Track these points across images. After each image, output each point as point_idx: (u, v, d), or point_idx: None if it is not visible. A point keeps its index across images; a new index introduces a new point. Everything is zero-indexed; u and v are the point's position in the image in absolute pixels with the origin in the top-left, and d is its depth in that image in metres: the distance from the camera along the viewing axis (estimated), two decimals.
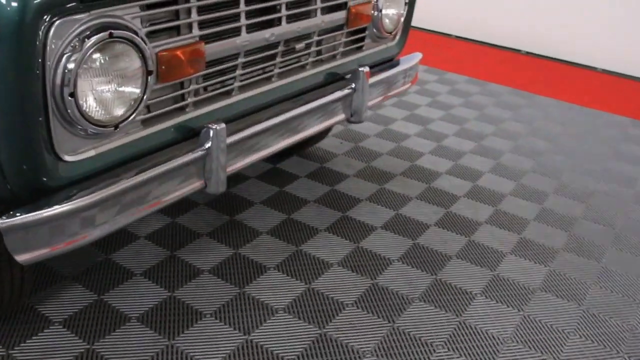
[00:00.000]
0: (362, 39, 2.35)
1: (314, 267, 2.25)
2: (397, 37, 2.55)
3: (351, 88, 2.21)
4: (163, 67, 1.53)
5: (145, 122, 1.59)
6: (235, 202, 2.59)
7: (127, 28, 1.42)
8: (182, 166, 1.63)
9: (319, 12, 2.04)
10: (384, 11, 2.34)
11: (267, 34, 1.85)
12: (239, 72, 1.82)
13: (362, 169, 3.01)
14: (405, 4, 2.45)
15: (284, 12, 1.89)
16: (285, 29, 1.91)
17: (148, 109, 1.60)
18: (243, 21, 1.76)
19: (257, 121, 1.87)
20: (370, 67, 2.41)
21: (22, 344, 1.79)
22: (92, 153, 1.47)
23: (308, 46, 2.07)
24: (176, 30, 1.61)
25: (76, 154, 1.44)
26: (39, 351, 1.78)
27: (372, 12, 2.30)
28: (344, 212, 2.58)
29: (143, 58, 1.46)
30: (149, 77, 1.49)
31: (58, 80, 1.32)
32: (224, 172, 1.73)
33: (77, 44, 1.33)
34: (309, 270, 2.23)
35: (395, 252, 2.38)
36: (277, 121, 1.91)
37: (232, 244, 2.33)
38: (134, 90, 1.47)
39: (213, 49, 1.68)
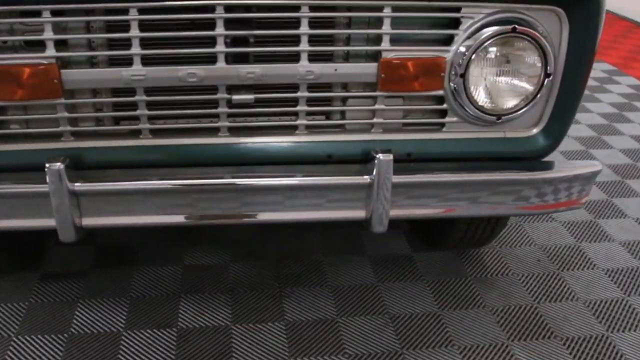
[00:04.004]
0: (431, 113, 1.52)
1: None
2: (541, 126, 1.54)
3: (370, 179, 1.47)
4: None
5: None
6: None
7: None
8: (13, 195, 1.43)
9: (304, 57, 1.41)
10: (473, 78, 1.44)
11: (182, 73, 1.39)
12: (142, 112, 1.44)
13: (509, 310, 2.00)
14: (547, 75, 1.44)
15: (220, 47, 1.38)
16: (225, 71, 1.40)
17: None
18: (136, 50, 1.37)
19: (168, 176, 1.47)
20: (470, 160, 1.56)
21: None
22: None
23: (285, 102, 1.47)
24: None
25: None
26: None
27: (447, 75, 1.44)
28: None
29: None
30: None
31: None
32: (71, 222, 1.43)
33: None
34: None
35: None
36: (177, 184, 1.43)
37: None
38: None
39: (77, 77, 1.38)
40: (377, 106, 1.48)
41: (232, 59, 1.42)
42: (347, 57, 1.47)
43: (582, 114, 3.60)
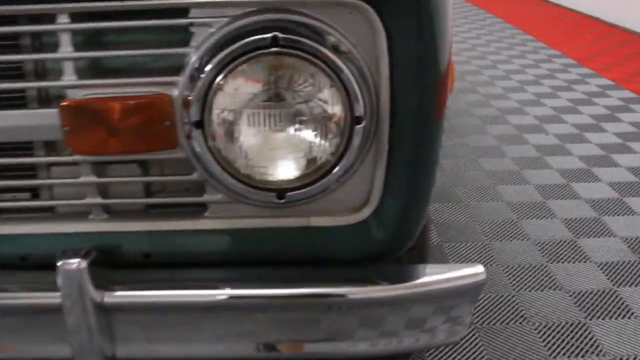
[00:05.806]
0: (191, 189, 0.91)
1: None
2: (369, 208, 0.89)
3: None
4: None
5: None
6: None
7: None
8: None
9: None
10: (219, 128, 0.83)
11: None
12: None
13: None
14: (355, 119, 0.81)
15: None
16: None
17: None
18: None
19: None
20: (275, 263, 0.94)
21: None
22: None
23: None
24: None
25: None
26: None
27: (180, 124, 0.84)
28: None
29: None
30: None
31: None
32: None
33: None
34: None
35: None
36: None
37: None
38: None
39: None
40: (83, 178, 0.90)
41: None
42: (44, 101, 0.92)
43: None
